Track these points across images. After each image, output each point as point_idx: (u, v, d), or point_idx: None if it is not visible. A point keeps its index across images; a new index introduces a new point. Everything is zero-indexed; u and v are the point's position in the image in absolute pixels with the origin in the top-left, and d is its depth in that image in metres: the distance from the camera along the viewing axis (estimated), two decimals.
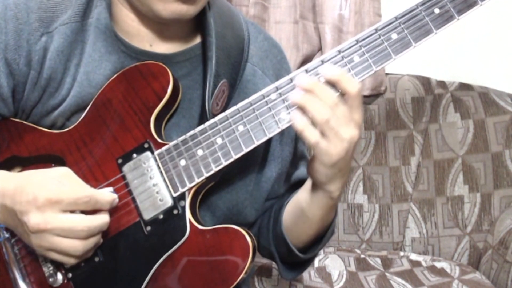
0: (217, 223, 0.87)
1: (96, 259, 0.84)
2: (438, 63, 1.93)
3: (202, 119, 0.86)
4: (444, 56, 1.93)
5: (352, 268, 1.65)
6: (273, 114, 0.81)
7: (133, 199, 0.84)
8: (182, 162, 0.83)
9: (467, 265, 1.73)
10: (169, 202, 0.83)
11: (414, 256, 1.74)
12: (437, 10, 0.82)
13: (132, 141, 0.85)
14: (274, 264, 1.57)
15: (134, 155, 0.84)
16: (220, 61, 0.88)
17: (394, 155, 1.80)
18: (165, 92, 0.85)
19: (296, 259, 0.98)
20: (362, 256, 1.72)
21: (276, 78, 0.93)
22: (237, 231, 0.82)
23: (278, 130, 0.81)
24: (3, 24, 0.85)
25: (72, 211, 0.77)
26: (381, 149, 1.80)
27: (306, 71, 0.81)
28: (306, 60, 1.81)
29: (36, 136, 0.88)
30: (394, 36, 0.81)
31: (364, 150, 1.80)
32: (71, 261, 0.80)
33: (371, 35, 0.81)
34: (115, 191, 0.83)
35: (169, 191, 0.83)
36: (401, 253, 1.75)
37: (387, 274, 1.63)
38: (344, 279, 1.59)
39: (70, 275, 0.85)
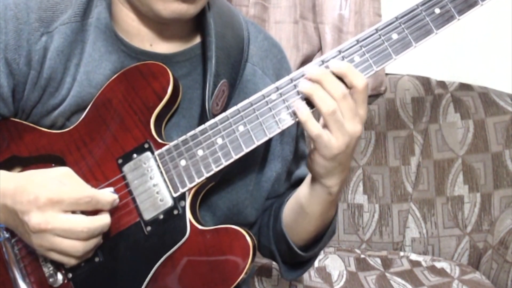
0: (218, 223, 0.87)
1: (96, 259, 0.83)
2: (438, 63, 1.93)
3: (202, 119, 0.86)
4: (444, 56, 1.93)
5: (352, 268, 1.65)
6: (274, 114, 0.81)
7: (133, 199, 0.84)
8: (183, 162, 0.83)
9: (467, 265, 1.73)
10: (169, 202, 0.83)
11: (414, 256, 1.74)
12: (437, 10, 0.82)
13: (132, 141, 0.85)
14: (274, 264, 1.57)
15: (134, 155, 0.84)
16: (220, 61, 0.88)
17: (394, 155, 1.80)
18: (165, 92, 0.85)
19: (297, 259, 0.98)
20: (362, 256, 1.72)
21: (277, 77, 0.93)
22: (237, 231, 0.82)
23: (279, 131, 0.81)
24: (3, 24, 0.85)
25: (73, 212, 0.77)
26: (381, 149, 1.80)
27: None
28: (306, 60, 1.81)
29: (36, 136, 0.88)
30: (395, 36, 0.81)
31: (364, 150, 1.80)
32: (71, 261, 0.80)
33: (372, 35, 0.81)
34: (115, 191, 0.83)
35: (169, 191, 0.83)
36: (401, 253, 1.75)
37: (387, 274, 1.63)
38: (344, 279, 1.59)
39: (70, 275, 0.84)
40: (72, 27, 0.86)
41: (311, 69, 0.79)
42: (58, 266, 0.84)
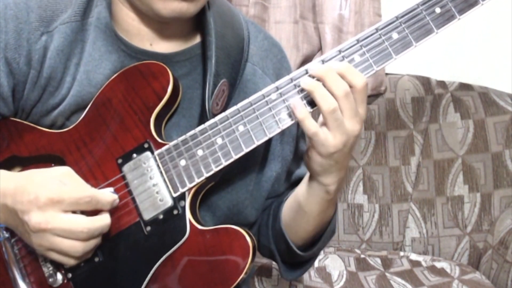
0: (218, 223, 0.87)
1: (96, 259, 0.83)
2: (438, 63, 1.93)
3: (202, 118, 0.86)
4: (444, 56, 1.93)
5: (352, 268, 1.65)
6: (274, 114, 0.81)
7: (133, 199, 0.84)
8: (182, 162, 0.83)
9: (467, 265, 1.73)
10: (169, 202, 0.83)
11: (414, 256, 1.74)
12: (438, 10, 0.82)
13: (132, 141, 0.85)
14: (274, 264, 1.57)
15: (134, 155, 0.84)
16: (220, 60, 0.88)
17: (394, 155, 1.80)
18: (165, 91, 0.85)
19: (296, 258, 0.97)
20: (362, 256, 1.71)
21: (277, 77, 0.93)
22: (237, 231, 0.82)
23: (279, 130, 0.81)
24: (3, 23, 0.84)
25: (74, 211, 0.77)
26: (381, 149, 1.80)
27: (307, 71, 0.81)
28: (306, 60, 1.81)
29: (36, 136, 0.88)
30: (395, 35, 0.81)
31: (364, 150, 1.80)
32: (70, 261, 0.80)
33: (372, 34, 0.81)
34: (115, 191, 0.83)
35: (169, 191, 0.83)
36: (401, 253, 1.75)
37: (387, 274, 1.63)
38: (344, 279, 1.59)
39: (70, 275, 0.84)
40: (72, 26, 0.86)
41: (314, 66, 0.79)
42: (58, 266, 0.84)
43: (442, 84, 1.84)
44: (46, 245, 0.77)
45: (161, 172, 0.83)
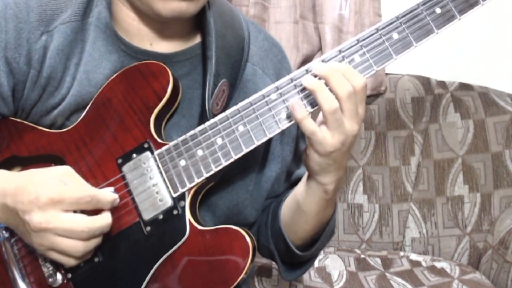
0: (218, 223, 0.87)
1: (96, 259, 0.83)
2: (438, 63, 1.93)
3: (202, 118, 0.86)
4: (444, 56, 1.93)
5: (352, 268, 1.65)
6: (274, 114, 0.81)
7: (133, 199, 0.83)
8: (182, 162, 0.82)
9: (467, 265, 1.73)
10: (169, 203, 0.83)
11: (414, 256, 1.74)
12: (438, 10, 0.81)
13: (132, 141, 0.85)
14: (274, 264, 1.57)
15: (134, 155, 0.84)
16: (220, 60, 0.88)
17: (394, 155, 1.79)
18: (165, 91, 0.85)
19: (295, 258, 0.97)
20: (362, 256, 1.71)
21: (277, 77, 0.93)
22: (237, 232, 0.82)
23: (279, 131, 0.81)
24: (3, 23, 0.84)
25: (74, 211, 0.77)
26: (381, 149, 1.80)
27: (307, 71, 0.81)
28: (306, 60, 1.81)
29: (36, 136, 0.88)
30: (395, 36, 0.81)
31: (364, 150, 1.80)
32: (71, 261, 0.79)
33: (372, 34, 0.81)
34: (115, 191, 0.83)
35: (169, 191, 0.83)
36: (401, 253, 1.75)
37: (387, 274, 1.63)
38: (344, 279, 1.59)
39: (69, 275, 0.84)
40: (72, 26, 0.86)
41: (317, 65, 0.79)
42: (58, 266, 0.84)
43: (442, 84, 1.84)
44: (46, 244, 0.77)
45: (161, 172, 0.83)
